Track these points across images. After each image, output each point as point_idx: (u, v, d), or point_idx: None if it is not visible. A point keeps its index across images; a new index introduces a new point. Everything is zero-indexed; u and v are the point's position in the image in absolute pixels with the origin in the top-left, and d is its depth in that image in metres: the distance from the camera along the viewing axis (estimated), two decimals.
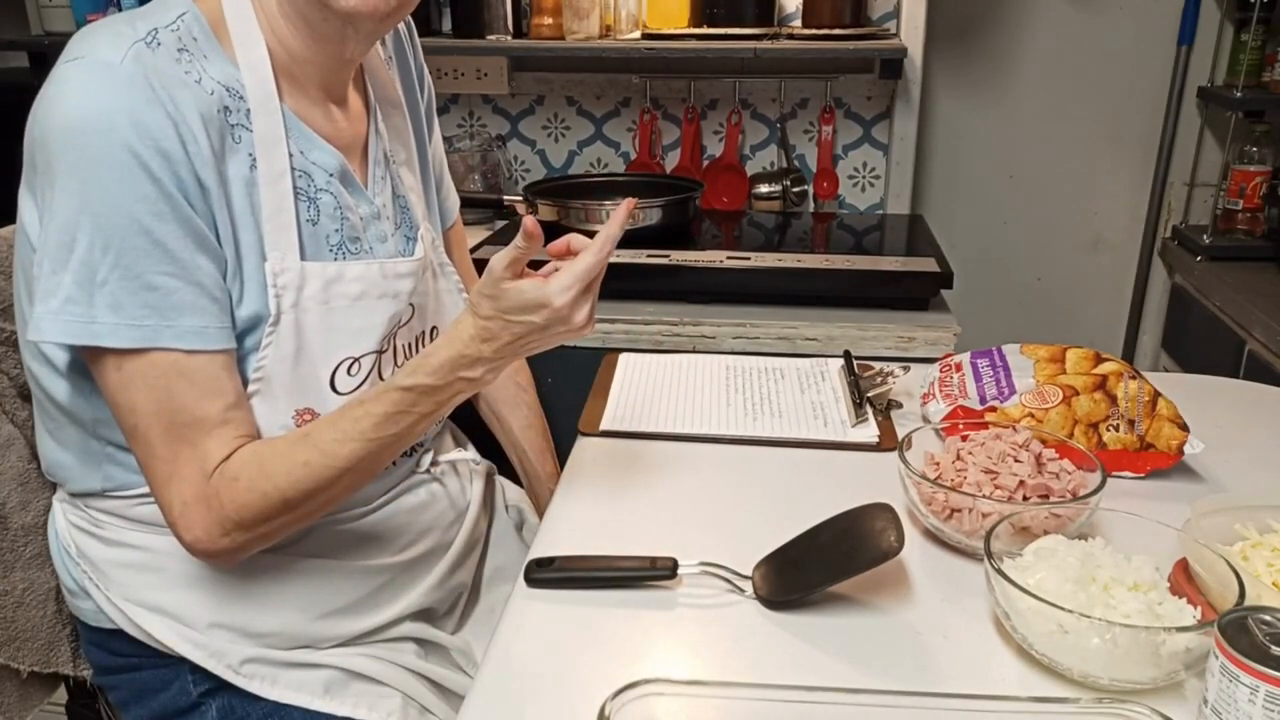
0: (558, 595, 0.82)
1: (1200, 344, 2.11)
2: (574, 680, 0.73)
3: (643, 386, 1.20)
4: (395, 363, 0.95)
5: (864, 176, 2.16)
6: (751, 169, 2.16)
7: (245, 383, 0.84)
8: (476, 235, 1.81)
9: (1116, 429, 1.00)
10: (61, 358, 0.85)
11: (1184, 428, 1.00)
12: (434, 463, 1.04)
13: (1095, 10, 2.15)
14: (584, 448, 1.07)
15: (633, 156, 2.19)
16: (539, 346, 0.84)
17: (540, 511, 1.18)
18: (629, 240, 1.56)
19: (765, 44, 1.87)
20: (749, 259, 1.62)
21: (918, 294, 1.59)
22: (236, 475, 0.80)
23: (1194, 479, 1.00)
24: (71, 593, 0.96)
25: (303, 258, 0.86)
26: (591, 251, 0.81)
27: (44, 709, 1.04)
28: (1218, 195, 2.18)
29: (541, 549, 0.87)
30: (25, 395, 0.97)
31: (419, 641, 1.00)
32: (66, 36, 0.83)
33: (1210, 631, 0.62)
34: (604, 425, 1.10)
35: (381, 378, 0.93)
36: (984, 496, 0.85)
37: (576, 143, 2.22)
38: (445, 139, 1.80)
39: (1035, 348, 1.10)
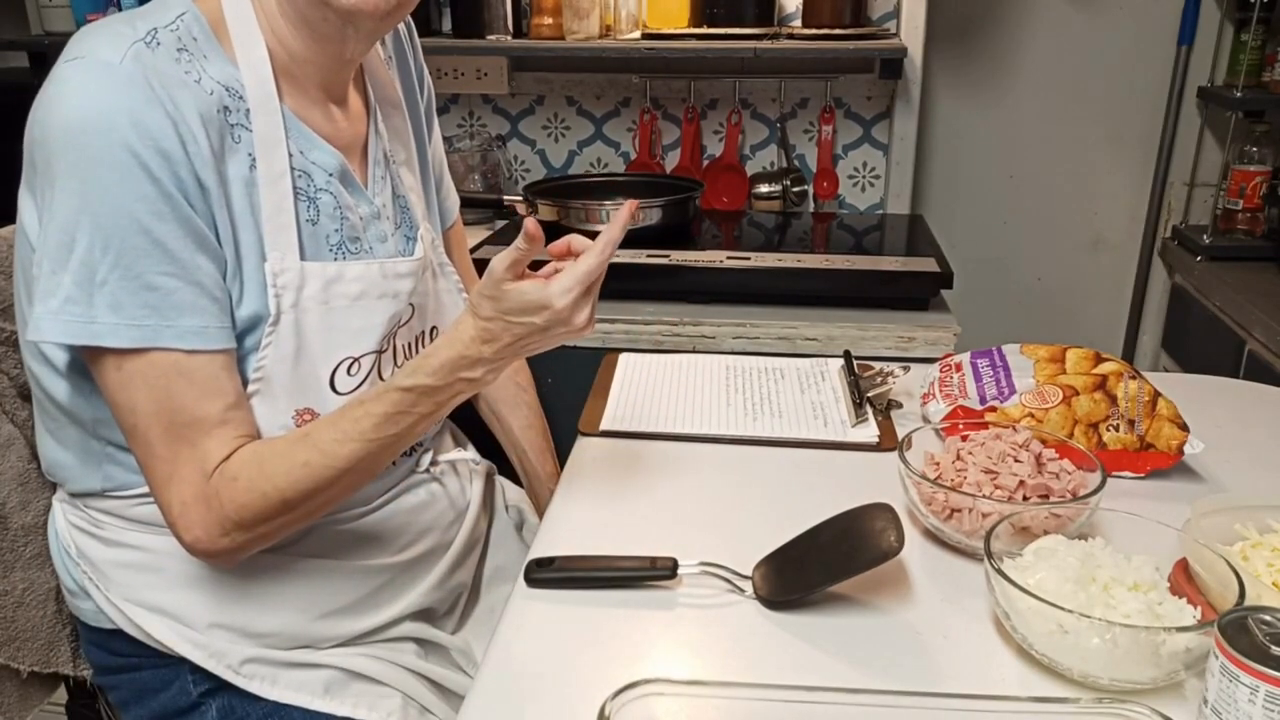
0: (558, 595, 0.82)
1: (1200, 344, 2.11)
2: (574, 680, 0.73)
3: (643, 386, 1.20)
4: (395, 363, 0.95)
5: (864, 176, 2.16)
6: (751, 169, 2.16)
7: (245, 383, 0.84)
8: (476, 235, 1.81)
9: (1116, 429, 1.00)
10: (61, 358, 0.85)
11: (1184, 428, 1.00)
12: (434, 463, 1.04)
13: (1095, 10, 2.15)
14: (584, 448, 1.07)
15: (633, 156, 2.19)
16: (539, 347, 0.84)
17: (540, 511, 1.18)
18: (629, 240, 1.54)
19: (765, 44, 1.87)
20: (749, 259, 1.62)
21: (918, 294, 1.59)
22: (236, 475, 0.80)
23: (1194, 479, 1.00)
24: (71, 593, 0.96)
25: (303, 258, 0.86)
26: (593, 254, 0.81)
27: (44, 709, 1.04)
28: (1218, 195, 2.18)
29: (541, 549, 0.87)
30: (25, 395, 0.97)
31: (419, 641, 1.00)
32: (66, 36, 0.83)
33: (1210, 631, 0.62)
34: (604, 425, 1.10)
35: (381, 378, 0.93)
36: (984, 496, 0.85)
37: (576, 143, 2.22)
38: (445, 139, 1.80)
39: (1035, 348, 1.10)
